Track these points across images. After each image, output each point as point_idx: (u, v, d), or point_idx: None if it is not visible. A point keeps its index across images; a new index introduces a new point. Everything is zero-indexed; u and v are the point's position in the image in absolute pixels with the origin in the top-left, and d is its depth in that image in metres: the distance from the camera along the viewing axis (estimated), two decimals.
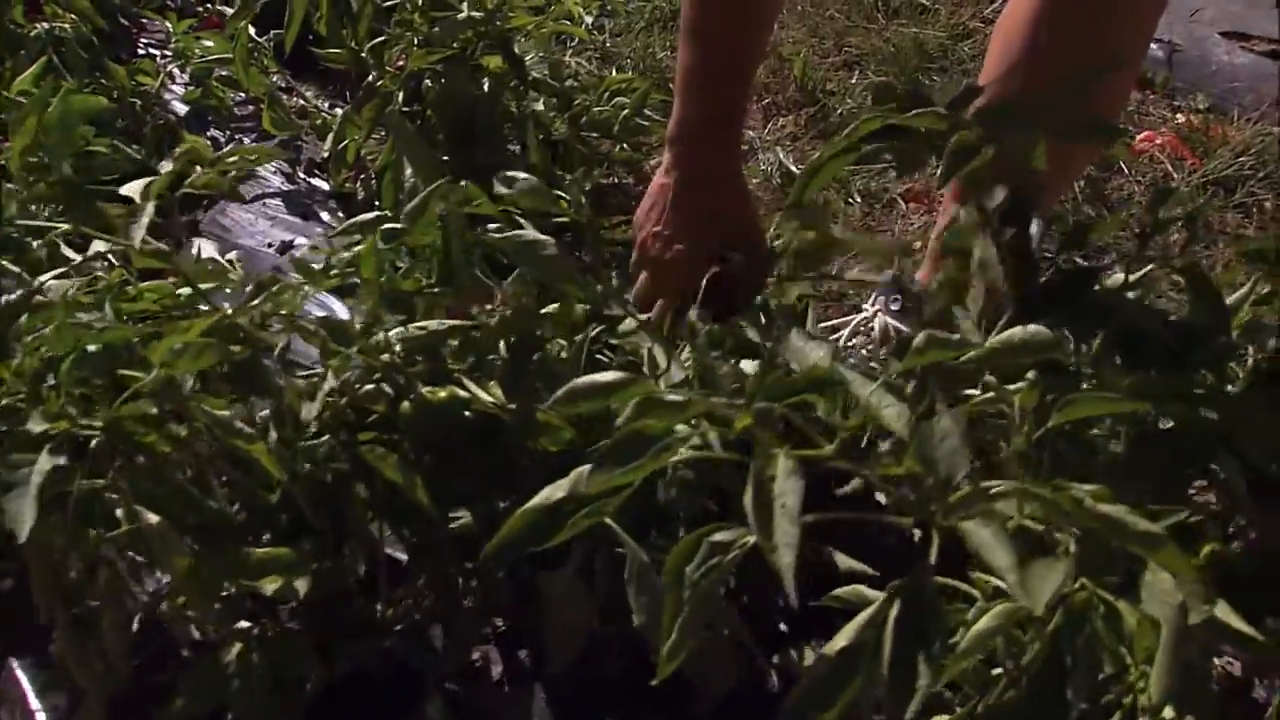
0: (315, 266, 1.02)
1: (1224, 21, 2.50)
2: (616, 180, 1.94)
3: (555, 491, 0.72)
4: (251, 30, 1.91)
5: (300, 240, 1.81)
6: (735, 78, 1.33)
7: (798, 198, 0.94)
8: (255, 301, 0.92)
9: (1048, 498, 0.61)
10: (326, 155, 1.86)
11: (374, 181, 1.69)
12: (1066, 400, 0.75)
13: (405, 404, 0.94)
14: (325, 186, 1.93)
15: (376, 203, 1.67)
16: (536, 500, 0.74)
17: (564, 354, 1.11)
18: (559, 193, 1.13)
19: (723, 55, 1.30)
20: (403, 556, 1.07)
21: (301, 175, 1.97)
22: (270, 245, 1.78)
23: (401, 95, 1.61)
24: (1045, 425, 0.74)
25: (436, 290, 1.02)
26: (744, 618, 1.08)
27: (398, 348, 0.96)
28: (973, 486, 0.62)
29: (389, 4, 1.66)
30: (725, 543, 0.68)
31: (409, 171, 1.51)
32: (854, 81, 2.35)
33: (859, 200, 2.04)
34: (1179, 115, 2.29)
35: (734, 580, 1.16)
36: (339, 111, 1.93)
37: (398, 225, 1.02)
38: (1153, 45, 2.44)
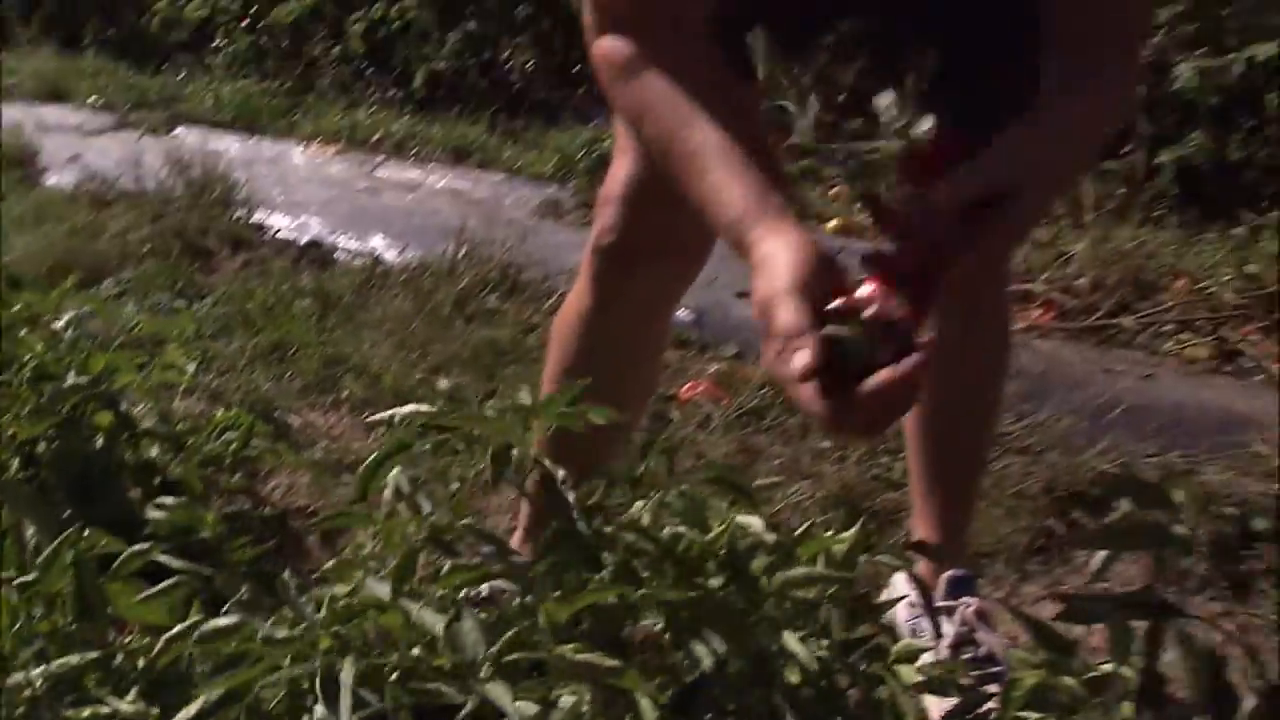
0: None
1: (736, 285, 3.06)
2: (239, 508, 2.13)
3: None
4: None
5: None
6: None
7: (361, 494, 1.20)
8: None
9: (546, 659, 0.87)
10: None
11: None
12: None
13: None
14: None
15: None
16: None
17: None
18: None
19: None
20: None
21: None
22: None
23: (17, 461, 1.75)
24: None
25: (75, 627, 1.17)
26: None
27: (39, 684, 1.10)
28: (494, 664, 0.88)
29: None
30: None
31: (30, 531, 1.64)
32: (442, 384, 2.68)
33: None
34: (713, 364, 2.79)
35: None
36: None
37: (28, 579, 1.18)
38: (683, 311, 2.96)
